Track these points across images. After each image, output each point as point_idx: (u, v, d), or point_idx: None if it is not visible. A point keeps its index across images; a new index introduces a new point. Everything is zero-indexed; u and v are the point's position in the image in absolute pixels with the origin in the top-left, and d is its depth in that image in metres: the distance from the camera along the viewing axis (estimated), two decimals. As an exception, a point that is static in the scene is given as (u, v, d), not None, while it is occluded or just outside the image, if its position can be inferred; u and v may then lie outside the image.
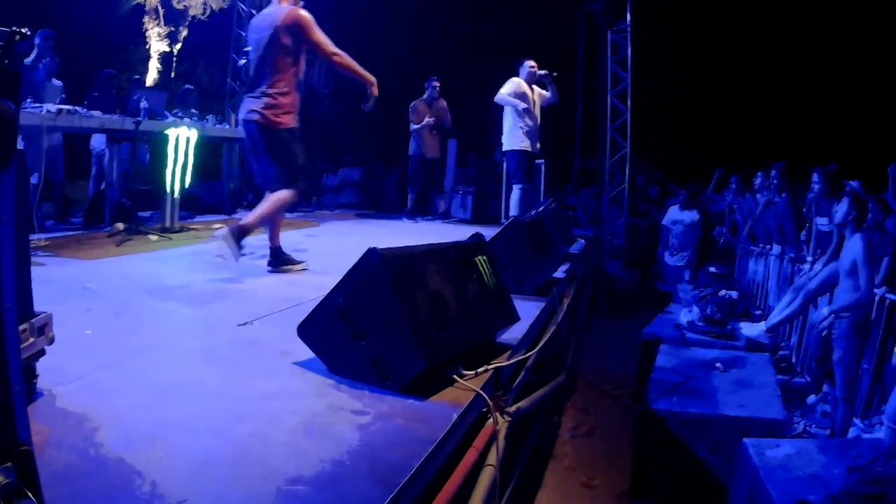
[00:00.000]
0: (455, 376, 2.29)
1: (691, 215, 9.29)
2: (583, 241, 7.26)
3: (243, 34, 10.54)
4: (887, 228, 4.96)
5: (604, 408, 5.72)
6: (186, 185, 6.52)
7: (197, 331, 2.91)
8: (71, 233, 5.88)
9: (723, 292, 7.09)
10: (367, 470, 1.65)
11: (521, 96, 7.01)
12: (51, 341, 1.90)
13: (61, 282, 3.63)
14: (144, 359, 2.44)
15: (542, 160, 8.36)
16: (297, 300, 3.32)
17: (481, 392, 2.23)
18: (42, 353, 1.88)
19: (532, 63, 7.20)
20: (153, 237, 5.65)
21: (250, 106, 4.15)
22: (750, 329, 5.88)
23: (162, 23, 10.47)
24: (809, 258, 6.07)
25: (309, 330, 2.38)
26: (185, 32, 10.65)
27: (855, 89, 13.24)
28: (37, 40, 6.35)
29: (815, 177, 6.20)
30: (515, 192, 7.19)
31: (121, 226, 5.65)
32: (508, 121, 7.15)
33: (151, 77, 10.56)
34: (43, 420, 1.79)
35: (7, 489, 1.11)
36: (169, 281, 3.90)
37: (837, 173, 6.02)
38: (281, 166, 4.20)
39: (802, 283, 5.57)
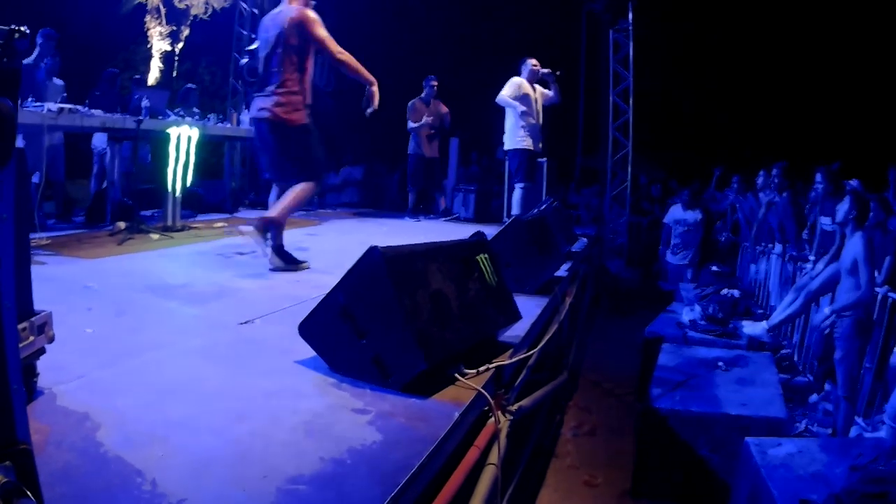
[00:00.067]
0: (457, 375, 2.28)
1: (694, 215, 9.28)
2: (585, 239, 7.25)
3: (245, 33, 10.55)
4: (889, 228, 4.95)
5: (606, 406, 5.72)
6: (188, 183, 6.52)
7: (198, 329, 2.90)
8: (72, 231, 5.88)
9: (725, 291, 7.08)
10: (368, 469, 1.64)
11: (523, 96, 7.01)
12: (51, 340, 1.90)
13: (62, 280, 3.63)
14: (145, 357, 2.43)
15: (545, 159, 8.34)
16: (299, 299, 3.31)
17: (483, 391, 2.22)
18: (42, 351, 1.88)
19: (534, 62, 7.19)
20: (155, 236, 5.65)
21: (261, 104, 4.21)
22: (752, 328, 5.87)
23: (164, 22, 10.47)
24: (812, 257, 6.06)
25: (310, 329, 2.38)
26: (186, 31, 10.65)
27: (855, 89, 13.22)
28: (38, 39, 6.34)
29: (818, 176, 6.19)
30: (517, 190, 7.19)
31: (122, 225, 5.65)
32: (510, 120, 7.15)
33: (153, 76, 10.56)
34: (43, 419, 1.79)
35: (6, 488, 1.11)
36: (170, 280, 3.90)
37: (841, 172, 6.01)
38: (298, 161, 4.26)
39: (804, 283, 5.56)
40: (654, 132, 11.76)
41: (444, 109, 8.86)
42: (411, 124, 8.67)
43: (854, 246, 4.52)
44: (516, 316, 2.94)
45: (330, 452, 1.72)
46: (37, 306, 1.85)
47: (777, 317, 5.69)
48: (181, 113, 7.20)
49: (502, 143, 7.44)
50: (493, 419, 2.27)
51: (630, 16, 10.16)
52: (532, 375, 3.27)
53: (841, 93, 13.37)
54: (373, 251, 2.22)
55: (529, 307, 3.40)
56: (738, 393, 4.48)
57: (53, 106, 5.33)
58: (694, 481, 4.14)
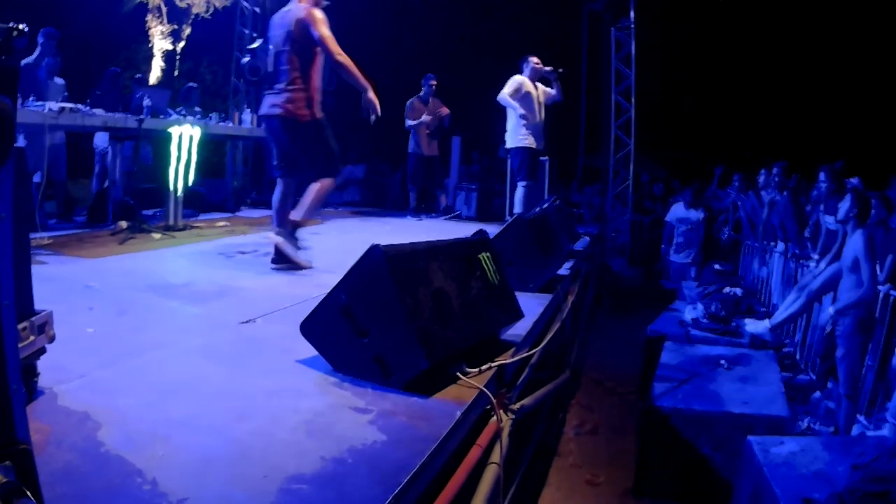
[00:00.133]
0: (458, 374, 2.28)
1: (697, 214, 9.26)
2: (587, 238, 7.23)
3: (247, 32, 10.55)
4: (890, 225, 4.94)
5: (608, 405, 5.72)
6: (190, 182, 6.53)
7: (199, 329, 2.90)
8: (74, 231, 5.88)
9: (727, 289, 7.07)
10: (369, 468, 1.64)
11: (524, 95, 6.99)
12: (51, 339, 1.89)
13: (64, 280, 3.63)
14: (146, 357, 2.43)
15: (547, 157, 8.32)
16: (300, 298, 3.30)
17: (485, 389, 2.22)
18: (43, 351, 1.87)
19: (536, 60, 7.18)
20: (156, 235, 5.65)
21: (272, 101, 4.25)
22: (754, 326, 5.86)
23: (165, 21, 10.47)
24: (815, 256, 6.05)
25: (312, 327, 2.37)
26: (188, 30, 10.65)
27: (856, 89, 13.21)
28: (39, 39, 6.34)
29: (821, 175, 6.18)
30: (519, 189, 7.18)
31: (124, 224, 5.65)
32: (512, 118, 7.14)
33: (154, 75, 10.56)
34: (44, 418, 1.78)
35: (6, 488, 1.10)
36: (171, 279, 3.90)
37: (843, 171, 6.00)
38: (313, 157, 4.30)
39: (806, 282, 5.56)
40: (656, 131, 11.75)
41: (444, 109, 8.86)
42: (409, 122, 8.68)
43: (855, 244, 4.51)
44: (518, 314, 2.93)
45: (331, 452, 1.71)
46: (38, 306, 1.85)
47: (779, 316, 5.69)
48: (183, 112, 7.20)
49: (504, 142, 7.44)
50: (495, 418, 2.26)
51: (632, 14, 10.14)
52: (534, 374, 3.26)
53: (841, 92, 13.36)
54: (374, 250, 2.22)
55: (532, 306, 3.39)
56: (741, 391, 4.48)
57: (55, 105, 5.33)
58: (696, 480, 4.14)
